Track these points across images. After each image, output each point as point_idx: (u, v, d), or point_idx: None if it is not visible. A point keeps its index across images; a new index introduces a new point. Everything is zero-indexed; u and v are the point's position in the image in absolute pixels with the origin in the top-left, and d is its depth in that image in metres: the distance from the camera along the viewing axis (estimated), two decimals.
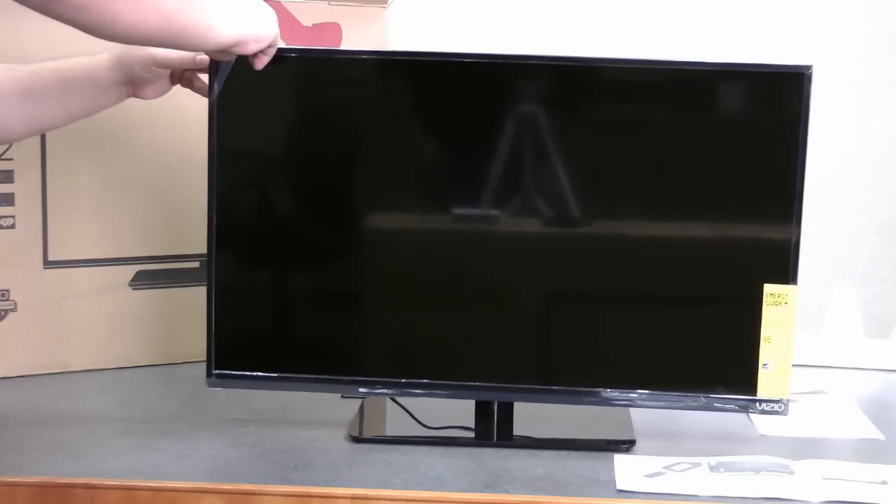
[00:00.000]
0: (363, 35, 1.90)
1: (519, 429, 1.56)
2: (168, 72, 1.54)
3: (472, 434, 1.55)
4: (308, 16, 1.89)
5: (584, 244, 1.53)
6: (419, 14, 2.06)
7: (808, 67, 1.47)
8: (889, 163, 2.03)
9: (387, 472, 1.43)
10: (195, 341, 1.59)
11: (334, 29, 1.90)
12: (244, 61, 1.46)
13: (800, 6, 2.04)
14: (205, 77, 1.54)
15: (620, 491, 1.39)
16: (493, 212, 1.52)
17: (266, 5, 1.45)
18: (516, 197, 1.52)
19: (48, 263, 1.81)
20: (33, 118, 1.51)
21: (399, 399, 1.61)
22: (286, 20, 1.87)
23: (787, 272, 1.49)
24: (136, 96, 1.55)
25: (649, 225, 1.52)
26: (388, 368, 1.56)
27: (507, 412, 1.56)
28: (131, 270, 1.86)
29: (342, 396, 1.67)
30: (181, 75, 1.56)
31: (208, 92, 1.53)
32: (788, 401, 1.51)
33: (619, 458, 1.48)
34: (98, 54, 1.51)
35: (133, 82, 1.53)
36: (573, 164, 1.51)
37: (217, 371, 1.55)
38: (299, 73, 1.55)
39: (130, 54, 1.51)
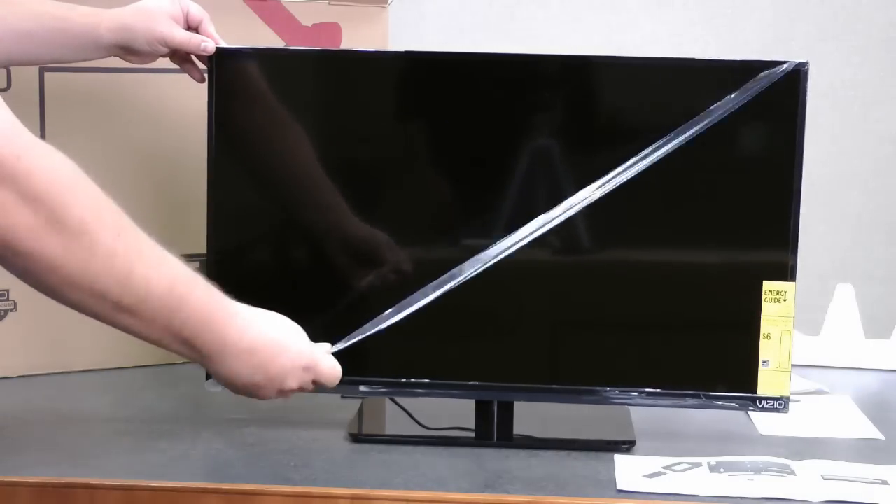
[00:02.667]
0: (363, 35, 1.90)
1: (519, 429, 1.55)
2: (168, 51, 1.54)
3: (472, 434, 1.55)
4: (308, 16, 1.89)
5: (577, 243, 1.54)
6: (419, 14, 2.06)
7: (805, 64, 1.47)
8: (889, 163, 2.04)
9: (387, 472, 1.43)
10: None
11: (334, 29, 1.90)
12: None
13: (800, 5, 2.04)
14: (201, 65, 1.55)
15: (620, 491, 1.39)
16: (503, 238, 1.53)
17: (288, 330, 1.35)
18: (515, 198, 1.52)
19: None
20: (22, 56, 1.53)
21: (399, 399, 1.61)
22: (286, 20, 1.88)
23: (785, 269, 1.49)
24: (123, 59, 1.55)
25: (646, 227, 1.52)
26: (388, 368, 1.55)
27: (507, 412, 1.56)
28: None
29: (342, 396, 1.67)
30: (175, 52, 1.56)
31: (207, 81, 1.53)
32: (789, 398, 1.51)
33: (619, 458, 1.48)
34: (104, 11, 1.51)
35: (128, 49, 1.52)
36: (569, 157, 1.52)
37: None
38: (302, 73, 1.55)
39: (139, 27, 1.50)
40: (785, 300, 1.49)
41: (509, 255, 1.52)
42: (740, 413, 1.60)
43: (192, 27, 1.54)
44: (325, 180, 1.54)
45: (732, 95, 1.50)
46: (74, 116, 1.76)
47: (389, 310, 1.50)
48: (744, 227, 1.51)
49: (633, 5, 2.07)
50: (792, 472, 1.43)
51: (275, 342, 1.32)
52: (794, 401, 1.55)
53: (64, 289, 1.13)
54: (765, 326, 1.49)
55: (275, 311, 1.59)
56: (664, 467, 1.45)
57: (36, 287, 1.15)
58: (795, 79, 1.47)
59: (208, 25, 1.54)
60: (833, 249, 2.02)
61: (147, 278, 1.17)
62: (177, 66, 1.58)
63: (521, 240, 1.51)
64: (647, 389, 1.52)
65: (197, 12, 1.54)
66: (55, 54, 1.53)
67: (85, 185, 1.13)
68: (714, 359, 1.52)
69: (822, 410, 1.71)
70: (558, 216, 1.51)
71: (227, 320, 1.27)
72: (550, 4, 2.08)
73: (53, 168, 1.10)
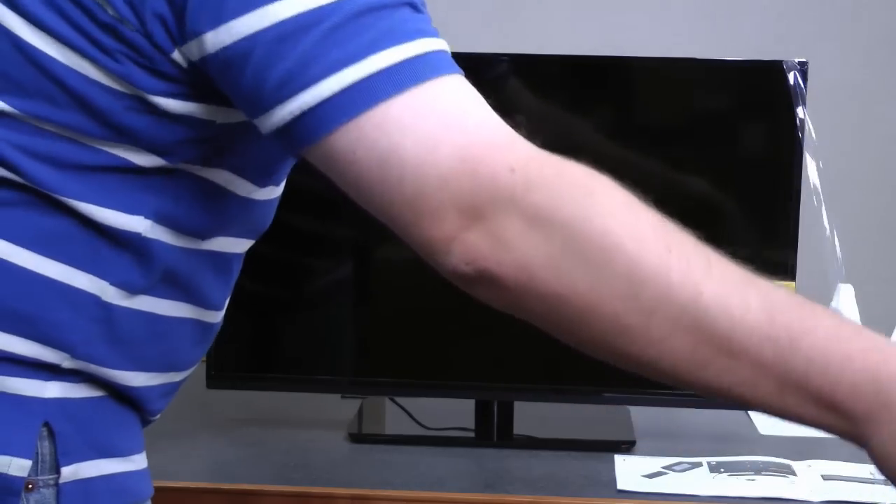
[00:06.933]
0: None
1: (519, 429, 1.55)
2: None
3: (472, 434, 1.55)
4: None
5: None
6: None
7: (805, 64, 1.48)
8: (889, 163, 2.03)
9: (387, 472, 1.43)
10: None
11: None
12: None
13: (800, 5, 2.04)
14: None
15: (620, 491, 1.39)
16: None
17: None
18: None
19: None
20: None
21: (399, 399, 1.61)
22: None
23: (785, 269, 1.49)
24: None
25: None
26: (388, 368, 1.55)
27: (507, 412, 1.56)
28: None
29: (342, 396, 1.67)
30: None
31: None
32: None
33: (619, 459, 1.48)
34: None
35: None
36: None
37: (217, 372, 1.55)
38: None
39: None
40: None
41: None
42: (740, 413, 1.60)
43: None
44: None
45: (733, 95, 1.50)
46: None
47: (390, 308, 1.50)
48: (744, 226, 1.51)
49: (633, 5, 2.07)
50: (792, 472, 1.43)
51: None
52: None
53: (609, 337, 0.84)
54: None
55: (276, 311, 1.60)
56: (664, 467, 1.45)
57: (579, 342, 0.88)
58: (795, 79, 1.47)
59: None
60: (833, 249, 2.02)
61: (726, 302, 0.81)
62: None
63: None
64: (648, 389, 1.52)
65: None
66: None
67: (604, 188, 0.84)
68: None
69: None
70: None
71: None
72: (550, 4, 2.08)
73: (559, 173, 0.83)
